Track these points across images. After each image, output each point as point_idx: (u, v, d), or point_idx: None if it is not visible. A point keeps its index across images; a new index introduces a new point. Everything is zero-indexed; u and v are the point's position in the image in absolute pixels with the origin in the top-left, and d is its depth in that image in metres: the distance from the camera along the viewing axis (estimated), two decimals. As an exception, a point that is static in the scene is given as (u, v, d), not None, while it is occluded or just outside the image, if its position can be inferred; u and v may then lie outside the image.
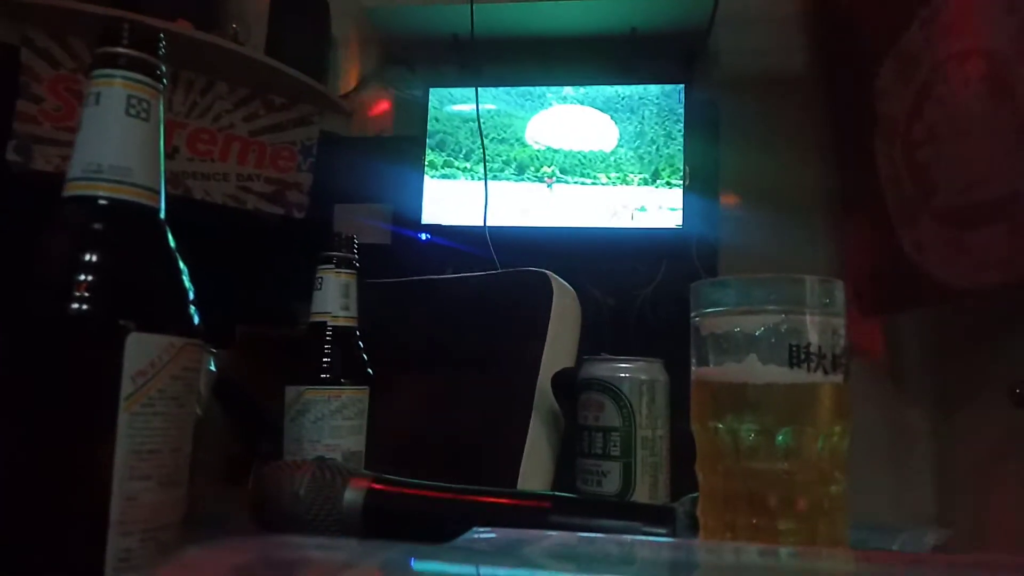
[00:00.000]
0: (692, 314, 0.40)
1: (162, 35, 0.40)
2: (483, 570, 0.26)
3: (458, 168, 1.92)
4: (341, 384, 0.66)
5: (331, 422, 0.65)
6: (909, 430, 1.67)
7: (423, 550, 0.26)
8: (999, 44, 1.19)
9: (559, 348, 0.83)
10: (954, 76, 1.30)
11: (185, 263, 0.40)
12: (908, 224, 1.46)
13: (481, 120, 1.85)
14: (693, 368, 0.40)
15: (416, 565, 0.25)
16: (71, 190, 0.37)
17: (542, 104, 1.92)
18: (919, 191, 1.43)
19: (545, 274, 0.87)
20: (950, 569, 0.30)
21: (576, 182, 1.86)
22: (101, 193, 0.37)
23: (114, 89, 0.38)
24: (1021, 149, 1.15)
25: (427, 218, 1.91)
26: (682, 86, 1.85)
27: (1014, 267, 1.16)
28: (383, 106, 2.08)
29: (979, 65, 1.24)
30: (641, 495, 0.66)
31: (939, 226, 1.37)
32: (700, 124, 1.85)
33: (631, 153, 1.85)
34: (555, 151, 1.89)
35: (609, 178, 1.84)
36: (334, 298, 0.68)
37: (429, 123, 1.94)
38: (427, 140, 1.93)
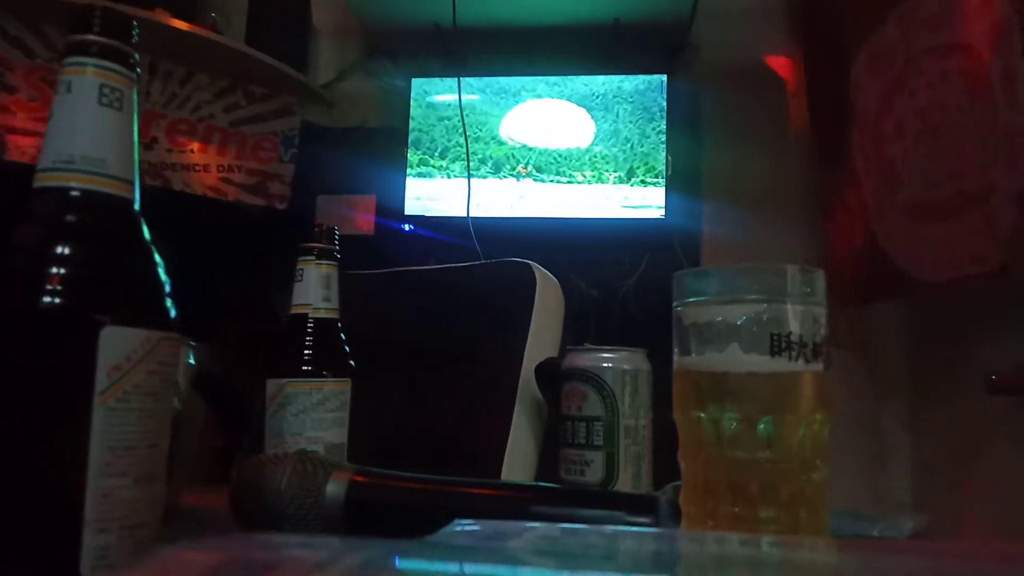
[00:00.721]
0: (675, 304, 0.40)
1: (135, 22, 0.39)
2: (467, 567, 0.26)
3: (434, 166, 1.90)
4: (323, 376, 0.66)
5: (313, 415, 0.64)
6: (885, 418, 1.69)
7: (405, 547, 0.26)
8: (977, 40, 1.20)
9: (542, 338, 0.83)
10: (932, 69, 1.31)
11: (165, 256, 0.39)
12: (879, 217, 1.48)
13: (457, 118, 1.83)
14: (675, 357, 0.40)
15: (400, 563, 0.25)
16: (42, 181, 0.37)
17: (516, 100, 1.90)
18: (887, 185, 1.44)
19: (528, 265, 0.86)
20: (930, 556, 0.30)
21: (552, 180, 1.84)
22: (74, 184, 0.36)
23: (86, 78, 0.37)
24: (998, 143, 1.15)
25: (410, 210, 1.90)
26: (664, 77, 1.84)
27: (987, 261, 1.17)
28: (365, 97, 2.06)
29: (959, 59, 1.24)
30: (624, 484, 0.67)
31: (904, 220, 1.38)
32: (682, 115, 1.85)
33: (606, 151, 1.84)
34: (530, 149, 1.87)
35: (584, 176, 1.84)
36: (315, 290, 0.68)
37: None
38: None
